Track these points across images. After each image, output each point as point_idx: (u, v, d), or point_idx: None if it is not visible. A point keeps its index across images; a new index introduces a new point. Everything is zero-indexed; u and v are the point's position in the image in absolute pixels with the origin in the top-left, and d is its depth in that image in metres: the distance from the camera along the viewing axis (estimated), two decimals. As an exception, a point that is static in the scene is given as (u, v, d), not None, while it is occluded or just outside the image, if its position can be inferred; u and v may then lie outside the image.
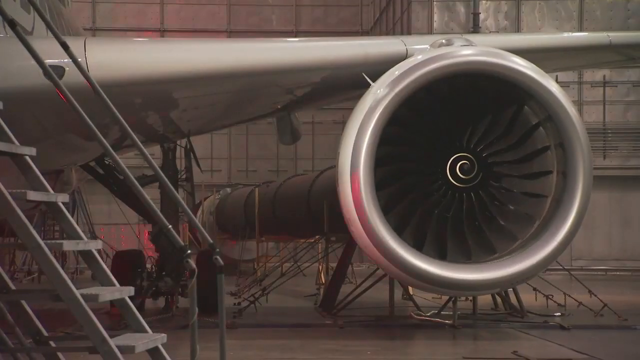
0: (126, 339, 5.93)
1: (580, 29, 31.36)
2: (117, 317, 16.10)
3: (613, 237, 32.32)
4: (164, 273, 17.58)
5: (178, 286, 17.59)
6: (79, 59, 13.03)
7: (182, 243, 6.66)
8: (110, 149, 7.45)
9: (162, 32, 40.39)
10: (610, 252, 32.36)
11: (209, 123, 17.69)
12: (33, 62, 12.21)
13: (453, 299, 15.75)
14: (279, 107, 17.13)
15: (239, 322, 15.78)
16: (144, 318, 14.61)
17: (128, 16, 40.50)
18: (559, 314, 17.45)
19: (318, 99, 17.41)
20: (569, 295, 18.68)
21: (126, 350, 5.64)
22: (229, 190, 35.10)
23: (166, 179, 8.25)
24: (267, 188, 28.48)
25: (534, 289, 18.98)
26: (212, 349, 12.81)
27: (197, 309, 6.85)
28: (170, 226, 6.64)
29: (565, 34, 25.65)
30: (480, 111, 14.25)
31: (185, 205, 7.77)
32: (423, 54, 13.78)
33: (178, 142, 18.46)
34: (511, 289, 17.44)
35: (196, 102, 15.01)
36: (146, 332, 6.24)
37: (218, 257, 6.88)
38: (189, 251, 6.63)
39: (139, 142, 7.74)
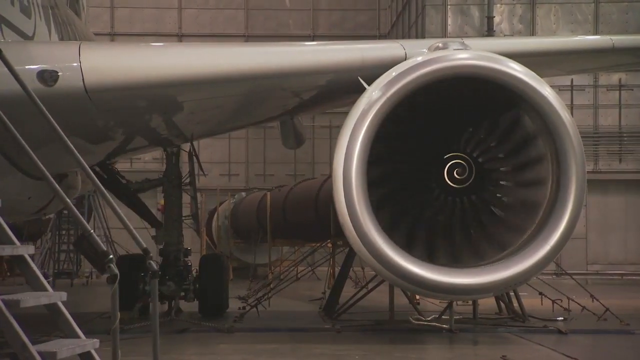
0: (53, 345, 5.91)
1: (596, 32, 31.14)
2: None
3: (629, 241, 32.06)
4: (167, 277, 17.65)
5: (180, 290, 17.67)
6: (74, 64, 13.26)
7: (104, 248, 6.64)
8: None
9: (180, 36, 40.50)
10: (626, 257, 32.11)
11: (209, 128, 17.71)
12: (25, 66, 12.43)
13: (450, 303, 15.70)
14: (278, 111, 17.14)
15: (236, 327, 15.80)
16: (146, 322, 14.67)
17: (146, 21, 40.66)
18: (562, 318, 17.35)
19: (319, 103, 17.38)
20: (572, 300, 18.58)
21: (48, 356, 5.61)
22: (243, 194, 35.25)
23: (103, 188, 8.24)
24: (279, 192, 28.54)
25: (540, 293, 18.86)
26: (206, 354, 12.92)
27: (119, 314, 6.82)
28: (92, 231, 6.64)
29: (567, 38, 25.42)
30: (475, 114, 14.25)
31: (119, 210, 7.77)
32: (417, 57, 13.74)
33: (182, 146, 18.50)
34: (512, 293, 17.42)
35: (193, 107, 15.01)
36: (78, 337, 6.21)
37: (152, 262, 6.85)
38: (110, 256, 6.61)
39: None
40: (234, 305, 18.96)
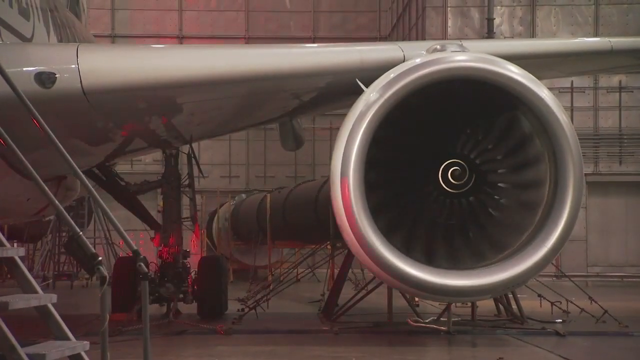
0: (42, 347, 5.91)
1: (596, 34, 31.06)
2: (115, 322, 16.16)
3: (629, 243, 31.99)
4: (165, 279, 17.66)
5: (179, 292, 17.66)
6: (72, 66, 13.25)
7: (93, 250, 6.64)
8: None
9: (181, 38, 40.45)
10: (627, 259, 32.03)
11: (208, 129, 17.72)
12: (23, 68, 12.43)
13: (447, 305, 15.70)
14: (278, 113, 17.14)
15: (234, 329, 15.79)
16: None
17: (147, 23, 40.60)
18: (560, 320, 17.33)
19: (319, 105, 17.41)
20: (571, 302, 18.57)
21: (37, 358, 5.61)
22: (244, 196, 35.26)
23: (92, 189, 8.23)
24: (279, 194, 28.57)
25: (539, 295, 18.85)
26: (204, 356, 12.92)
27: (108, 315, 6.82)
28: (81, 233, 6.64)
29: (566, 40, 25.38)
30: (473, 116, 14.25)
31: (110, 213, 7.76)
32: (415, 59, 13.74)
33: (181, 148, 18.50)
34: (511, 296, 17.41)
35: (193, 109, 15.01)
36: (68, 339, 6.20)
37: (142, 264, 6.84)
38: (99, 258, 6.61)
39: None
40: (233, 307, 18.93)
